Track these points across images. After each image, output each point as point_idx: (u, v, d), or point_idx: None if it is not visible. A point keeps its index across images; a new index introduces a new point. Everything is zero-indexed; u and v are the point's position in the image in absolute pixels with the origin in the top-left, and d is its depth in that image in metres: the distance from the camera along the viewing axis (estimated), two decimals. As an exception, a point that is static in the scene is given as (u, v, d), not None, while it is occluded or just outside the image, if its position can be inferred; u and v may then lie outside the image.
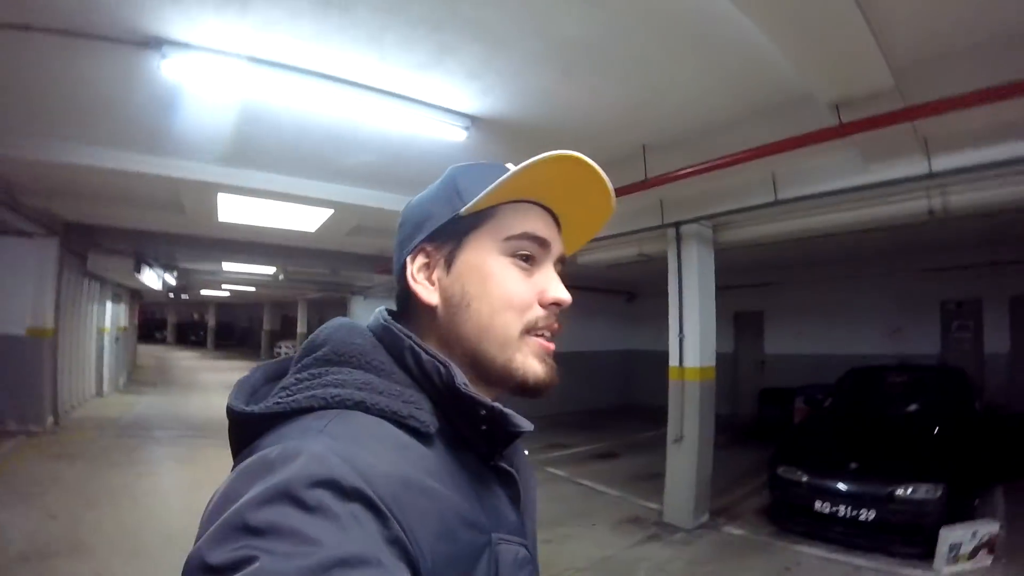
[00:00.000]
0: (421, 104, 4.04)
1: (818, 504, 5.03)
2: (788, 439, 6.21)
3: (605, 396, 13.95)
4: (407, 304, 0.79)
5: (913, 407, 6.39)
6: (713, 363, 6.00)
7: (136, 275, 10.63)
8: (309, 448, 0.54)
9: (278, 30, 3.19)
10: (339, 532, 0.48)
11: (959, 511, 4.68)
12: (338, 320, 0.76)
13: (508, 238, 0.77)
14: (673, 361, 5.97)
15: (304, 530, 0.47)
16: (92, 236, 9.06)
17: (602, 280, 12.58)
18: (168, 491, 6.21)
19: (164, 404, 12.22)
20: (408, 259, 0.77)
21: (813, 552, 4.87)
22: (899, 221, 5.07)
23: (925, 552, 4.53)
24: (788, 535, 5.25)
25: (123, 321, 15.35)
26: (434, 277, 0.77)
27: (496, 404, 0.69)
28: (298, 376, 0.67)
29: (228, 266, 12.04)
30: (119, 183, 6.12)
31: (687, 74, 3.64)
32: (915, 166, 4.10)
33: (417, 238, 0.78)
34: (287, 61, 3.51)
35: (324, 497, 0.50)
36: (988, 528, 4.44)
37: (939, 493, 4.60)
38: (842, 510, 4.89)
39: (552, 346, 0.81)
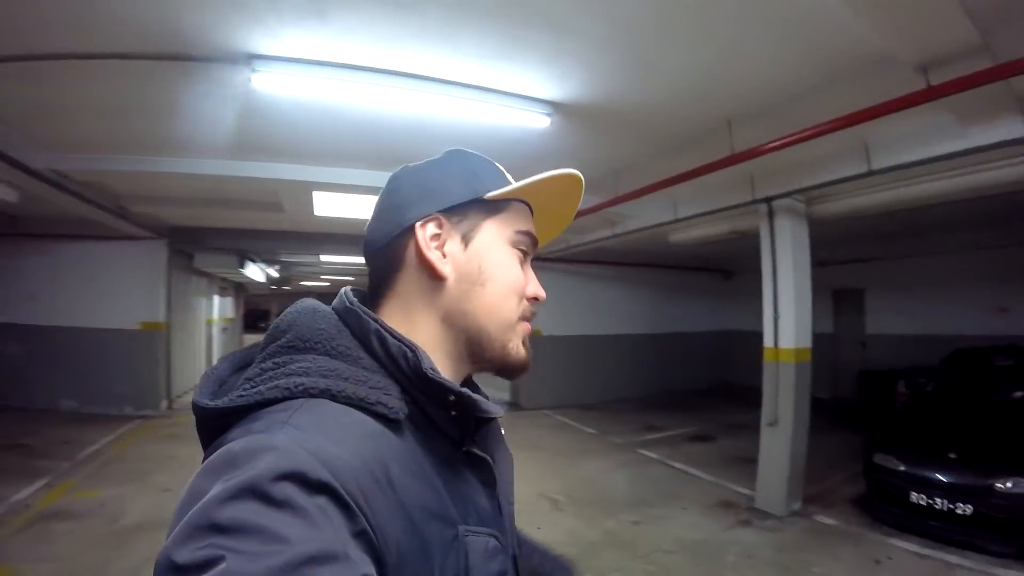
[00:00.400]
0: (500, 93, 4.07)
1: (914, 495, 4.78)
2: (885, 425, 5.89)
3: (702, 377, 13.68)
4: (394, 273, 0.79)
5: (1020, 393, 5.91)
6: (809, 344, 5.76)
7: (240, 270, 11.33)
8: (273, 441, 0.54)
9: (355, 37, 3.32)
10: (306, 527, 0.48)
11: None
12: (302, 303, 0.75)
13: (518, 232, 0.82)
14: (768, 342, 5.78)
15: (271, 527, 0.46)
16: (197, 237, 9.85)
17: (697, 258, 12.39)
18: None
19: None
20: (418, 225, 0.77)
21: (906, 546, 4.64)
22: (1001, 188, 4.66)
23: (1022, 551, 4.24)
24: (881, 526, 5.02)
25: (229, 313, 16.39)
26: (447, 250, 0.77)
27: (464, 390, 0.69)
28: (262, 366, 0.66)
29: (326, 258, 12.57)
30: (221, 188, 6.64)
31: (761, 43, 3.46)
32: (1015, 128, 3.77)
33: (428, 206, 0.78)
34: (366, 63, 3.64)
35: (290, 491, 0.49)
36: None
37: (1044, 489, 4.27)
38: (938, 502, 4.62)
39: (530, 329, 0.84)
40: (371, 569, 0.51)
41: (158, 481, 5.83)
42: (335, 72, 3.68)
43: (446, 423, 0.72)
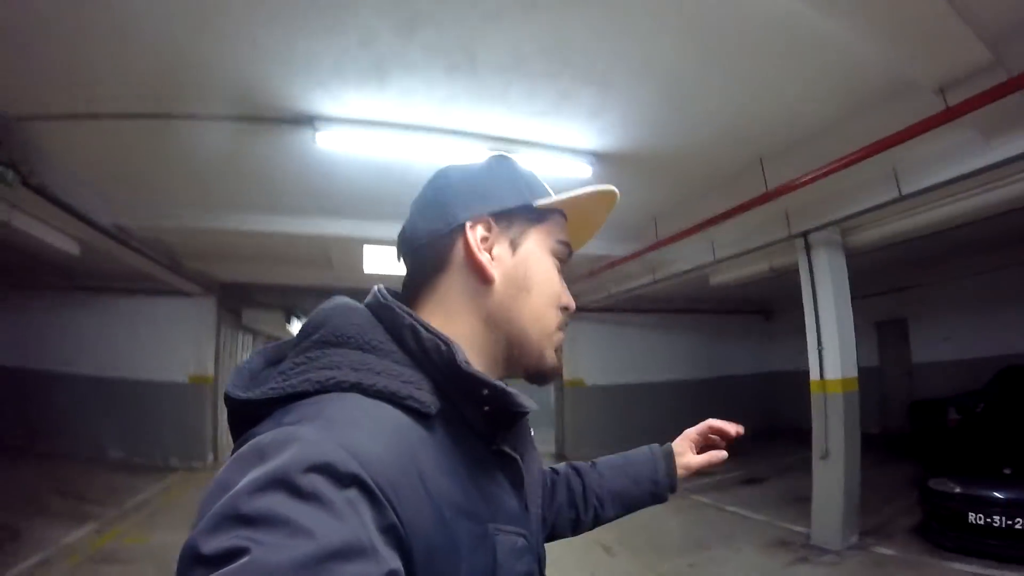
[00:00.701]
0: (547, 147, 4.37)
1: (971, 516, 4.69)
2: (939, 450, 5.84)
3: (747, 420, 12.60)
4: (437, 272, 0.78)
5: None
6: (855, 373, 5.77)
7: (287, 326, 11.63)
8: (303, 433, 0.54)
9: (414, 99, 3.65)
10: (333, 520, 0.48)
11: None
12: (335, 300, 0.75)
13: (560, 241, 0.84)
14: (814, 375, 5.81)
15: (297, 519, 0.46)
16: (245, 292, 10.18)
17: (736, 301, 12.44)
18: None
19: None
20: (468, 225, 0.76)
21: (967, 568, 4.56)
22: None
23: None
24: (941, 552, 4.92)
25: (274, 368, 16.73)
26: (495, 253, 0.77)
27: (499, 383, 0.69)
28: (295, 360, 0.66)
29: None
30: (271, 244, 6.92)
31: (787, 82, 3.69)
32: None
33: (478, 208, 0.78)
34: (422, 123, 3.95)
35: (318, 483, 0.49)
36: None
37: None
38: (997, 520, 4.54)
39: (564, 338, 0.85)
40: (398, 564, 0.51)
41: None
42: (392, 131, 3.99)
43: (478, 420, 0.71)
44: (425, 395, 0.65)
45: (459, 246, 0.76)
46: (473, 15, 2.89)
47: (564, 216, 0.86)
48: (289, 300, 10.79)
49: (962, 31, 2.92)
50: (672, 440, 1.35)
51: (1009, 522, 4.46)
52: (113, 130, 3.97)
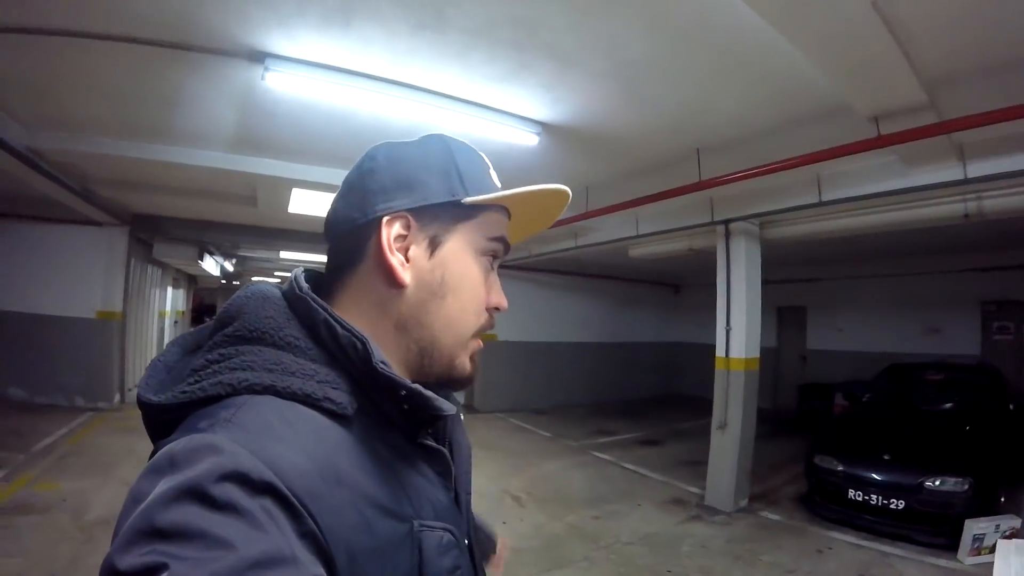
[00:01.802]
0: (499, 112, 4.41)
1: (851, 492, 5.30)
2: (826, 430, 6.46)
3: (649, 386, 14.28)
4: (354, 264, 0.74)
5: (947, 404, 6.58)
6: (757, 355, 6.27)
7: (198, 262, 11.22)
8: (215, 440, 0.52)
9: (373, 48, 3.56)
10: (250, 530, 0.47)
11: (985, 505, 4.86)
12: (252, 288, 0.72)
13: (492, 238, 0.78)
14: (719, 352, 6.24)
15: (214, 531, 0.46)
16: (159, 225, 9.65)
17: (649, 272, 12.87)
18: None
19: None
20: (384, 221, 0.71)
21: (844, 538, 5.12)
22: (936, 223, 5.26)
23: (950, 543, 4.72)
24: (822, 521, 5.51)
25: (180, 305, 16.09)
26: (411, 254, 0.73)
27: (415, 386, 0.67)
28: (208, 357, 0.64)
29: (286, 254, 12.52)
30: (195, 176, 6.60)
31: (737, 87, 3.94)
32: (951, 171, 4.31)
33: (399, 201, 0.72)
34: (378, 73, 3.88)
35: (232, 492, 0.48)
36: (1010, 523, 4.59)
37: (966, 487, 4.81)
38: (874, 498, 5.14)
39: (481, 345, 0.80)
40: (320, 571, 0.51)
41: (119, 475, 5.76)
42: (345, 78, 3.88)
43: (398, 416, 0.69)
44: (342, 395, 0.63)
45: (374, 240, 0.72)
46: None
47: (506, 209, 0.81)
48: (205, 235, 10.32)
49: (904, 71, 3.22)
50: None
51: (885, 501, 5.06)
52: (36, 45, 3.65)
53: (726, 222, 6.21)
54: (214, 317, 0.71)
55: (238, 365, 0.62)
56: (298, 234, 10.30)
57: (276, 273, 19.19)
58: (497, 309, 0.79)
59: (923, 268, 10.12)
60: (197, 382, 0.61)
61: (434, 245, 0.74)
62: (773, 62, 3.51)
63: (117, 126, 5.25)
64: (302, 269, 0.75)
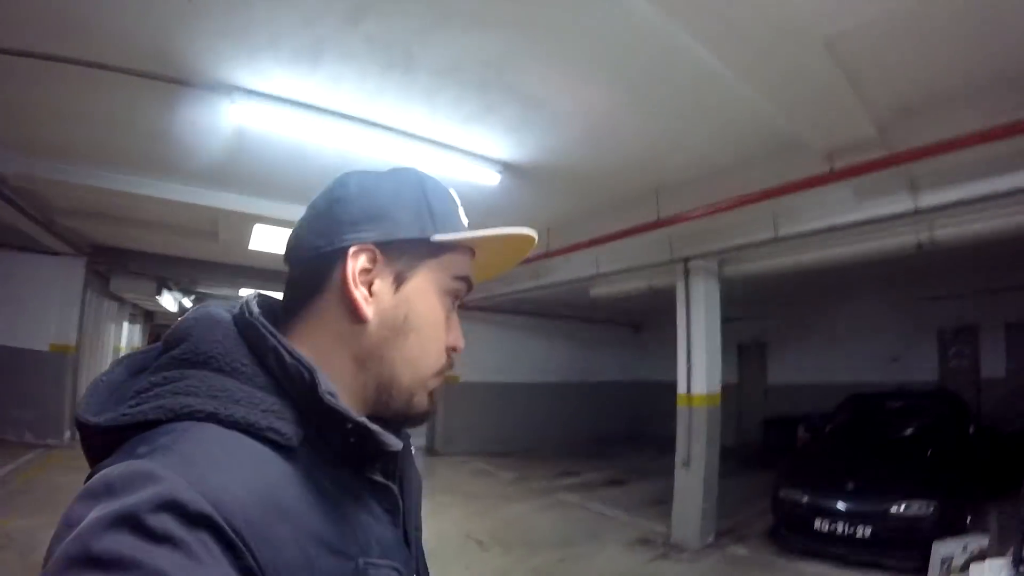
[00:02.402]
0: (462, 152, 4.47)
1: (817, 523, 5.32)
2: (789, 463, 6.52)
3: (613, 425, 14.23)
4: (314, 294, 0.72)
5: (909, 430, 6.71)
6: (719, 390, 6.34)
7: (156, 297, 10.97)
8: (153, 468, 0.51)
9: (342, 86, 3.61)
10: (187, 562, 0.46)
11: (952, 526, 4.92)
12: (201, 310, 0.70)
13: (457, 277, 0.77)
14: (681, 388, 6.30)
15: (149, 562, 0.44)
16: (118, 258, 9.44)
17: (610, 312, 12.99)
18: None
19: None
20: (350, 253, 0.69)
21: (813, 569, 5.14)
22: (890, 254, 5.44)
23: (919, 566, 4.71)
24: (790, 554, 5.52)
25: (136, 341, 15.65)
26: (375, 288, 0.71)
27: (362, 420, 0.65)
28: (152, 379, 0.62)
29: (245, 291, 12.29)
30: (157, 209, 6.47)
31: (696, 128, 4.09)
32: (902, 203, 4.48)
33: (367, 233, 0.70)
34: (346, 111, 3.93)
35: (168, 523, 0.47)
36: (978, 542, 4.62)
37: (931, 509, 4.89)
38: (840, 527, 5.17)
39: (442, 382, 0.79)
40: None
41: None
42: (312, 114, 3.92)
43: (344, 449, 0.66)
44: (287, 426, 0.61)
45: (338, 271, 0.70)
46: (422, 16, 2.93)
47: (471, 249, 0.79)
48: (164, 270, 10.13)
49: (856, 108, 3.41)
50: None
51: (851, 530, 5.10)
52: (2, 66, 3.57)
53: (685, 260, 6.33)
54: (161, 338, 0.69)
55: (181, 390, 0.59)
56: (258, 271, 10.20)
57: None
58: (455, 349, 0.78)
59: (880, 299, 10.46)
60: (138, 405, 0.59)
61: (399, 281, 0.72)
62: (731, 102, 3.65)
63: (82, 154, 5.16)
64: (256, 293, 0.73)
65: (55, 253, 8.53)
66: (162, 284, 11.06)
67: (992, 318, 9.49)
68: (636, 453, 11.88)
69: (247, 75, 3.57)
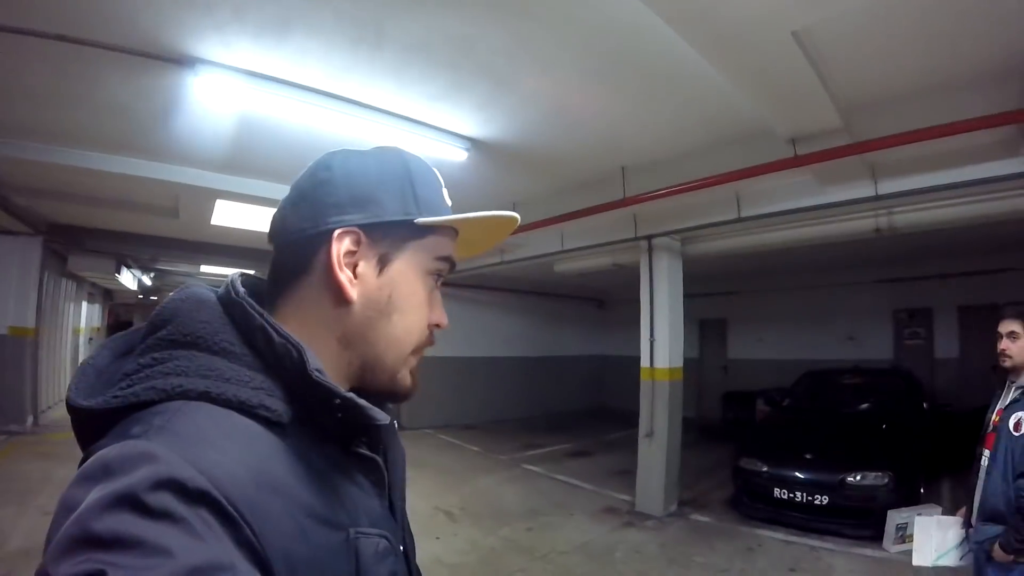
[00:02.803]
0: (430, 128, 4.47)
1: (777, 491, 5.56)
2: (749, 435, 6.77)
3: (576, 399, 14.50)
4: (299, 275, 0.73)
5: (865, 405, 7.02)
6: (681, 364, 6.53)
7: (116, 276, 10.73)
8: (149, 448, 0.51)
9: (309, 60, 3.56)
10: (187, 538, 0.47)
11: (906, 497, 5.16)
12: (186, 291, 0.70)
13: (438, 258, 0.78)
14: (644, 362, 6.47)
15: (151, 539, 0.45)
16: (75, 236, 9.17)
17: (574, 287, 13.12)
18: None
19: (140, 405, 12.16)
20: (335, 235, 0.70)
21: (773, 535, 5.38)
22: (849, 238, 5.67)
23: (875, 534, 5.02)
24: (751, 521, 5.77)
25: (96, 321, 15.30)
26: (359, 271, 0.72)
27: (350, 395, 0.66)
28: (140, 361, 0.62)
29: (207, 268, 12.12)
30: (115, 185, 6.32)
31: (664, 110, 4.17)
32: (863, 189, 4.67)
33: (352, 216, 0.71)
34: (312, 85, 3.87)
35: (168, 500, 0.48)
36: (931, 511, 4.89)
37: (886, 480, 5.13)
38: (799, 496, 5.42)
39: (421, 359, 0.82)
40: None
41: (38, 503, 5.43)
42: (278, 88, 3.84)
43: (332, 425, 0.68)
44: (277, 403, 0.63)
45: (323, 253, 0.71)
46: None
47: (454, 230, 0.81)
48: (123, 247, 9.88)
49: (822, 97, 3.50)
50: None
51: (809, 498, 5.35)
52: None
53: (649, 237, 6.45)
54: (147, 319, 0.69)
55: (172, 370, 0.60)
56: (220, 248, 10.04)
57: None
58: (438, 326, 0.81)
59: (838, 280, 10.81)
60: (129, 387, 0.60)
61: (383, 263, 0.73)
62: (700, 86, 3.73)
63: (37, 129, 4.99)
64: (239, 273, 0.74)
65: (10, 233, 8.26)
66: (121, 262, 10.83)
67: (946, 301, 9.88)
68: (600, 426, 12.14)
69: (212, 47, 3.49)
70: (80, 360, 10.10)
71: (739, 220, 5.57)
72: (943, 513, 4.89)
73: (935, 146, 3.85)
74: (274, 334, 0.65)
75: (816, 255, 8.36)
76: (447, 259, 0.80)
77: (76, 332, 12.37)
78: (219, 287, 0.73)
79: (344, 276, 0.70)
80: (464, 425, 11.53)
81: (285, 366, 0.65)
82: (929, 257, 9.31)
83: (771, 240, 6.08)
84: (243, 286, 0.70)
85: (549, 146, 4.89)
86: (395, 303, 0.74)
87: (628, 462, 6.50)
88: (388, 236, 0.74)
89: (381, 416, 0.68)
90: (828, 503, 5.28)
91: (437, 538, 5.27)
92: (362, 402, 0.66)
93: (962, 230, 5.27)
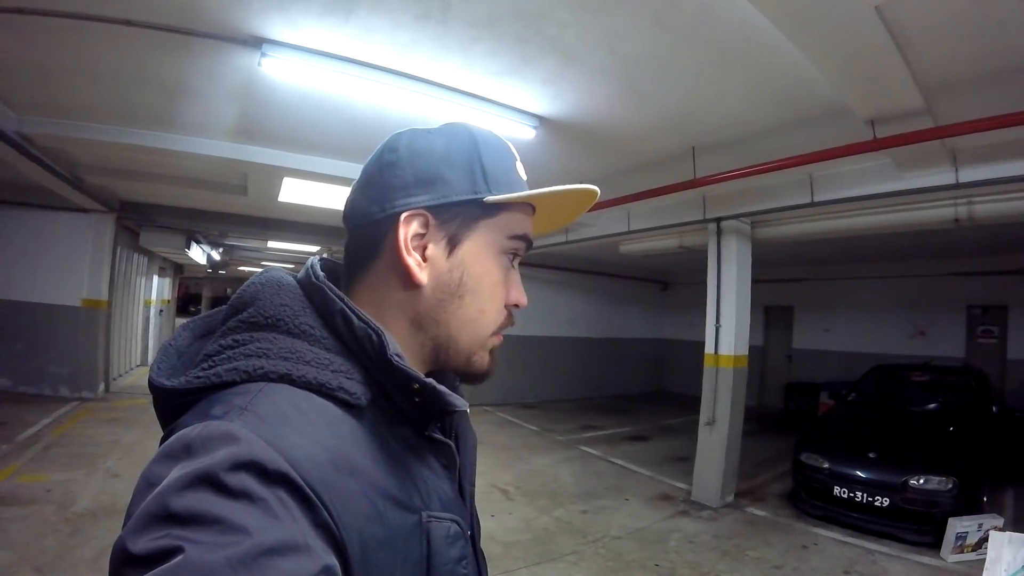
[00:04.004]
0: (497, 105, 4.40)
1: (837, 489, 5.37)
2: (812, 429, 6.53)
3: (635, 382, 14.37)
4: (371, 260, 0.73)
5: (932, 405, 6.72)
6: (746, 352, 6.33)
7: (185, 251, 11.14)
8: (231, 428, 0.52)
9: (376, 37, 3.52)
10: (265, 518, 0.47)
11: (968, 505, 4.95)
12: (266, 275, 0.71)
13: (512, 236, 0.75)
14: (709, 348, 6.30)
15: (229, 517, 0.46)
16: (147, 213, 9.62)
17: (637, 269, 12.99)
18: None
19: (206, 374, 12.66)
20: (402, 219, 0.70)
21: (830, 535, 5.20)
22: (926, 227, 5.38)
23: (934, 541, 4.82)
24: (807, 518, 5.60)
25: (166, 294, 15.94)
26: (428, 253, 0.71)
27: (429, 381, 0.66)
28: (221, 342, 0.64)
29: (273, 243, 12.44)
30: (185, 164, 6.54)
31: (737, 87, 3.96)
32: (943, 176, 4.42)
33: (419, 197, 0.71)
34: (379, 63, 3.85)
35: (247, 481, 0.48)
36: (993, 522, 4.69)
37: (950, 486, 4.90)
38: (859, 496, 5.23)
39: (501, 340, 0.80)
40: (333, 560, 0.51)
41: (105, 466, 5.71)
42: (344, 66, 3.83)
43: (409, 409, 0.69)
44: (356, 385, 0.64)
45: (391, 237, 0.71)
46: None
47: (531, 206, 0.78)
48: (193, 224, 10.26)
49: (904, 76, 3.27)
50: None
51: (870, 499, 5.15)
52: (30, 26, 3.56)
53: (718, 220, 6.27)
54: (227, 303, 0.70)
55: (253, 352, 0.62)
56: (287, 223, 10.34)
57: (263, 263, 19.03)
58: (516, 306, 0.78)
59: (910, 271, 10.32)
60: (211, 367, 0.61)
61: (453, 244, 0.72)
62: (774, 63, 3.53)
63: (109, 112, 5.17)
64: (318, 257, 0.75)
65: (85, 211, 8.70)
66: (191, 237, 11.23)
67: (1022, 298, 9.30)
68: (658, 410, 12.00)
69: (277, 27, 3.49)
70: (150, 330, 10.72)
71: (812, 204, 5.35)
72: (1005, 524, 4.68)
73: (1019, 131, 3.55)
74: (354, 318, 0.65)
75: (889, 244, 7.99)
76: (523, 237, 0.77)
77: (147, 304, 12.92)
78: (297, 271, 0.74)
79: (412, 260, 0.70)
80: (522, 404, 11.58)
81: (365, 349, 0.65)
82: (1007, 251, 8.76)
83: (845, 226, 5.82)
84: (322, 270, 0.71)
85: (618, 124, 4.74)
86: (467, 284, 0.72)
87: (686, 448, 6.40)
88: (458, 216, 0.72)
89: (460, 403, 0.69)
90: (888, 505, 5.08)
91: (492, 515, 5.30)
92: (441, 388, 0.66)
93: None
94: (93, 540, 4.12)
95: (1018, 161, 4.06)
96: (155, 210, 9.61)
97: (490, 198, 0.72)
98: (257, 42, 3.64)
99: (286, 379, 0.60)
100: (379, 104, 4.45)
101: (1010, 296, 9.42)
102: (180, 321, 18.87)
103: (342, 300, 0.67)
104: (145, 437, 6.82)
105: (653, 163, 5.65)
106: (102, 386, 9.22)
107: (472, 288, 0.73)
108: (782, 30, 2.88)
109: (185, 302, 24.95)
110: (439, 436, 0.74)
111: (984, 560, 2.60)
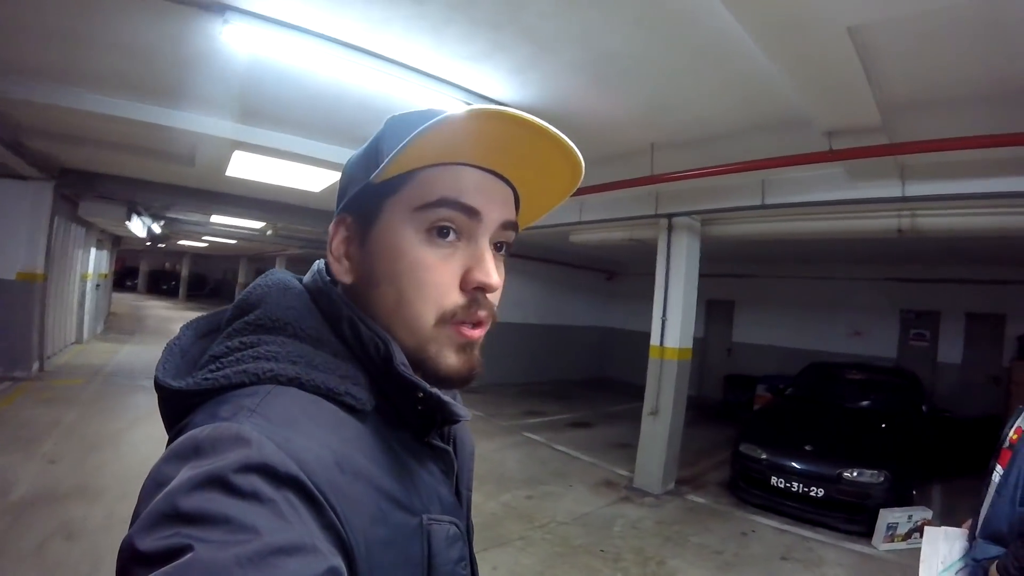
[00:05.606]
0: (465, 91, 4.38)
1: (774, 479, 5.66)
2: (751, 421, 6.86)
3: (579, 369, 14.63)
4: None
5: (866, 402, 7.11)
6: (691, 345, 6.57)
7: (126, 223, 10.71)
8: (241, 430, 0.53)
9: (348, 12, 3.43)
10: (274, 519, 0.48)
11: (899, 497, 5.30)
12: (273, 276, 0.73)
13: (421, 207, 0.68)
14: (655, 341, 6.49)
15: (238, 517, 0.46)
16: (87, 181, 9.09)
17: (584, 258, 13.05)
18: (165, 437, 6.41)
19: (144, 352, 12.30)
20: (330, 228, 0.73)
21: (767, 522, 5.48)
22: (871, 235, 5.68)
23: (866, 530, 5.17)
24: (746, 506, 5.88)
25: (104, 268, 15.29)
26: (351, 251, 0.72)
27: (434, 391, 0.67)
28: (228, 344, 0.64)
29: (217, 218, 12.08)
30: (132, 132, 6.19)
31: (704, 88, 4.06)
32: (891, 188, 4.68)
33: (342, 203, 0.73)
34: (347, 39, 3.76)
35: (257, 483, 0.49)
36: (922, 514, 5.06)
37: (882, 479, 5.25)
38: (795, 486, 5.52)
39: (476, 333, 0.72)
40: (339, 562, 0.51)
41: (43, 451, 5.48)
42: (311, 39, 3.71)
43: (412, 416, 0.70)
44: (362, 391, 0.64)
45: None
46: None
47: (477, 167, 0.70)
48: (135, 195, 9.84)
49: (866, 95, 3.46)
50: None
51: (806, 489, 5.45)
52: None
53: (670, 216, 6.44)
54: (232, 304, 0.70)
55: (262, 355, 0.62)
56: (234, 198, 10.02)
57: (205, 237, 18.44)
58: (481, 289, 0.70)
59: (850, 274, 10.84)
60: (219, 369, 0.62)
61: (362, 235, 0.71)
62: (745, 71, 3.65)
63: (56, 72, 4.87)
64: (323, 260, 0.75)
65: (24, 178, 8.21)
66: (132, 209, 10.79)
67: (954, 306, 9.94)
68: (601, 397, 12.25)
69: (246, -5, 3.39)
70: (86, 306, 10.16)
71: (763, 207, 5.55)
72: (933, 517, 5.02)
73: (969, 155, 3.86)
74: (362, 326, 0.67)
75: (830, 247, 8.33)
76: (440, 203, 0.67)
77: (84, 278, 12.34)
78: (302, 275, 0.76)
79: (333, 262, 0.72)
80: (468, 388, 11.47)
81: (370, 356, 0.67)
82: (943, 261, 9.33)
83: (793, 229, 6.07)
84: (328, 274, 0.73)
85: (583, 116, 4.79)
86: (379, 271, 0.70)
87: (628, 435, 6.56)
88: (364, 208, 0.71)
89: (463, 413, 0.73)
90: (823, 496, 5.39)
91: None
92: (446, 398, 0.68)
93: (980, 239, 5.26)
94: (35, 528, 3.98)
95: (961, 180, 4.36)
96: (97, 179, 9.10)
97: (375, 176, 0.67)
98: (220, 8, 3.49)
99: (295, 383, 0.61)
100: (343, 80, 4.36)
101: (943, 303, 10.05)
102: (116, 295, 18.01)
103: (349, 307, 0.68)
104: (84, 419, 6.60)
105: (611, 157, 5.74)
106: (36, 364, 8.77)
107: (386, 275, 0.69)
108: (758, 42, 3.00)
109: (122, 276, 23.87)
110: (438, 443, 0.76)
111: (914, 549, 2.74)
